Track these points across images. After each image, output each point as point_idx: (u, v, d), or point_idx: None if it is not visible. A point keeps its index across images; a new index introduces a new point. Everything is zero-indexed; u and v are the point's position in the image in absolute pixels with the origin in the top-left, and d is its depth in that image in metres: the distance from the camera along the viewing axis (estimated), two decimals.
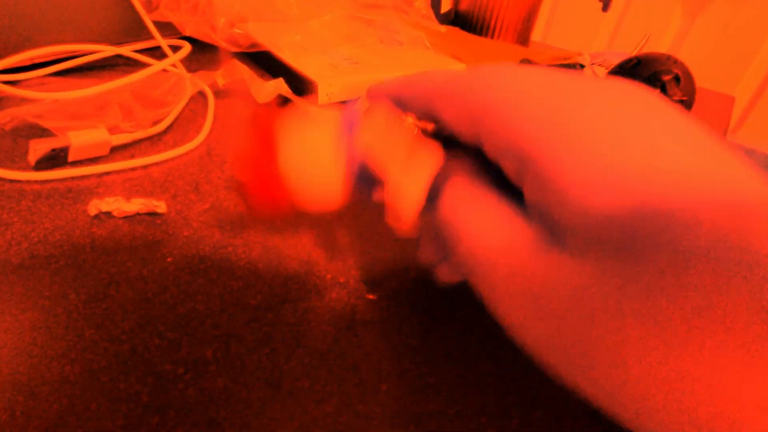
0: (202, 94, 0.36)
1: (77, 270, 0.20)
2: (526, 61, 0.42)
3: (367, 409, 0.16)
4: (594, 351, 0.10)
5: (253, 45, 0.40)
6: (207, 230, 0.23)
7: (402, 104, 0.16)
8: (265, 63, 0.41)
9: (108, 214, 0.23)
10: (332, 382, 0.17)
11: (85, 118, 0.28)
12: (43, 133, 0.27)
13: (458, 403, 0.17)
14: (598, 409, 0.11)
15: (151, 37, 0.36)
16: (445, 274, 0.19)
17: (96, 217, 0.23)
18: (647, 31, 0.52)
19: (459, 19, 0.60)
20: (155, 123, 0.30)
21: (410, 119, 0.16)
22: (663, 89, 0.35)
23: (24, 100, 0.28)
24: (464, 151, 0.15)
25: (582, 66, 0.42)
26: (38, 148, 0.25)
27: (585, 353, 0.10)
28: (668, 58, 0.36)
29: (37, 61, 0.34)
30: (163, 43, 0.36)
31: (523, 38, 0.59)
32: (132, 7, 0.36)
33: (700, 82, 0.39)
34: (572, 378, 0.11)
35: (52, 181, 0.25)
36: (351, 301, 0.20)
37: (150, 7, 0.39)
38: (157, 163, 0.28)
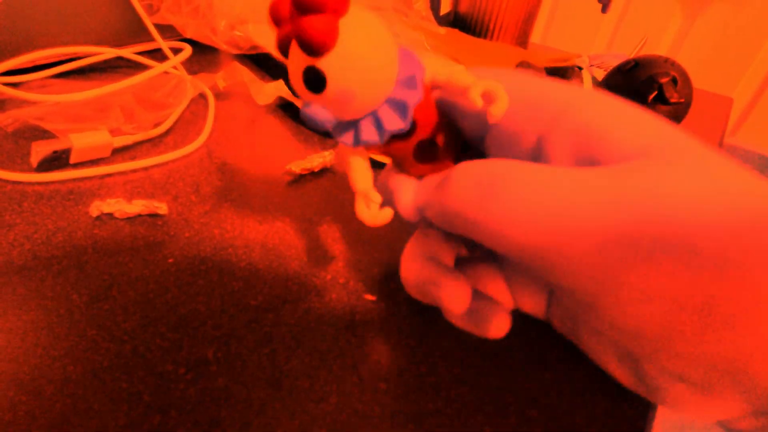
0: (202, 96, 0.36)
1: (79, 271, 0.20)
2: (524, 64, 0.42)
3: (366, 408, 0.16)
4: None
5: (254, 47, 0.40)
6: (208, 232, 0.23)
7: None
8: (266, 65, 0.41)
9: (110, 215, 0.23)
10: (332, 382, 0.17)
11: (87, 120, 0.28)
12: (45, 135, 0.27)
13: (456, 402, 0.17)
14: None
15: (152, 39, 0.36)
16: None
17: (98, 218, 0.23)
18: (646, 33, 0.52)
19: (458, 21, 0.60)
20: (156, 125, 0.30)
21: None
22: (660, 91, 0.36)
23: (26, 102, 0.28)
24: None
25: (580, 68, 0.42)
26: (40, 150, 0.25)
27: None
28: (665, 60, 0.37)
29: (38, 63, 0.34)
30: (164, 45, 0.36)
31: (522, 40, 0.60)
32: (133, 9, 0.36)
33: (698, 83, 0.40)
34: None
35: (54, 182, 0.25)
36: (351, 302, 0.20)
37: (151, 10, 0.39)
38: (158, 165, 0.28)
